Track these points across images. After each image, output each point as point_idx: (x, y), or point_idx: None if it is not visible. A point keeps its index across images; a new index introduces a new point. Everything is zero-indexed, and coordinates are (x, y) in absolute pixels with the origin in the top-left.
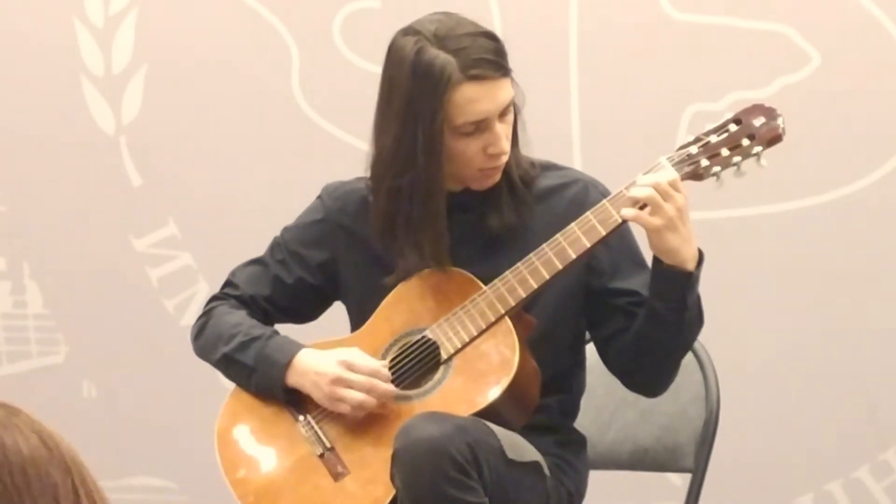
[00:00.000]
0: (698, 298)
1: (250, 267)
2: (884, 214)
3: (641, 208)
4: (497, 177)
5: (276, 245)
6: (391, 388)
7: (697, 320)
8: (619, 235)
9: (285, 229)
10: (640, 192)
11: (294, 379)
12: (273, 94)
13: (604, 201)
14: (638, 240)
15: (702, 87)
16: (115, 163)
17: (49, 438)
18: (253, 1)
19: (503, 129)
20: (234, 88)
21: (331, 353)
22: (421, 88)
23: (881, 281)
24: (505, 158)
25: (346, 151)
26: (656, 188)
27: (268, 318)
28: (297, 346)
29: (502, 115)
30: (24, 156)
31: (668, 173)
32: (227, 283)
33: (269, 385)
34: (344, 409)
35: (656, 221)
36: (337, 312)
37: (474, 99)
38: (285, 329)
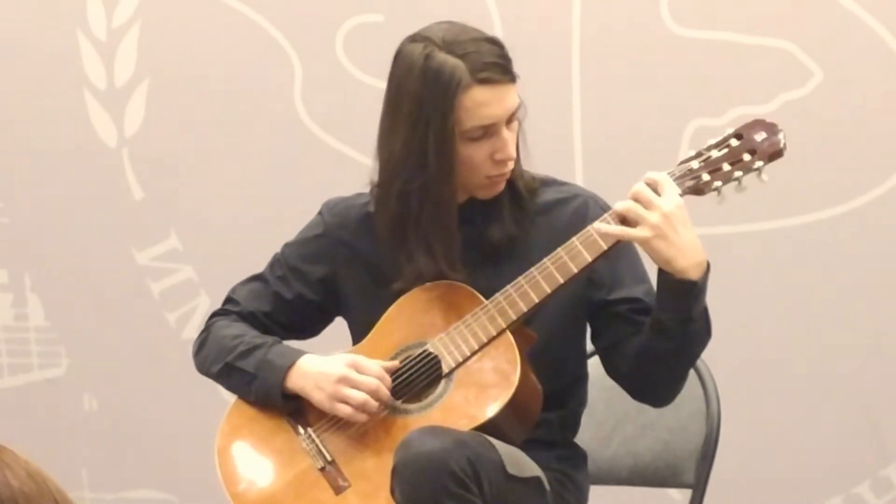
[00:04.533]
0: (705, 310)
1: (250, 283)
2: (886, 230)
3: (624, 222)
4: (502, 185)
5: (276, 261)
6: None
7: (704, 332)
8: (621, 249)
9: (285, 245)
10: (619, 206)
11: (295, 381)
12: (276, 108)
13: (605, 215)
14: (642, 254)
15: (704, 102)
16: (117, 176)
17: (36, 474)
18: (256, 14)
19: (510, 136)
20: (237, 102)
21: (337, 356)
22: (431, 92)
23: (882, 296)
24: (511, 165)
25: (349, 165)
26: (636, 198)
27: (268, 334)
28: (300, 353)
29: (509, 121)
30: (27, 168)
31: (651, 176)
32: (228, 300)
33: (268, 390)
34: (345, 410)
35: (641, 233)
36: (339, 328)
37: (484, 102)
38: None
